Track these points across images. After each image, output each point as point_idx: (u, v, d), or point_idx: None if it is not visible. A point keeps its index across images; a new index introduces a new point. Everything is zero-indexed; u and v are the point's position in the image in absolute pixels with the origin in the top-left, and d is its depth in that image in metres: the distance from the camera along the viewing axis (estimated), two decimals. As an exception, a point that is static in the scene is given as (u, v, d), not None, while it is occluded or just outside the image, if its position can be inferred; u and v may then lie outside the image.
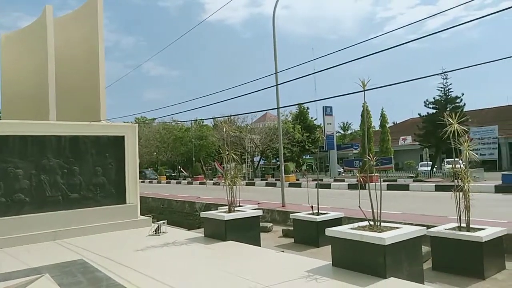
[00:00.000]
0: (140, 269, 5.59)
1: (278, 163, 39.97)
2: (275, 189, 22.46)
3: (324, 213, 8.66)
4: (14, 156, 8.07)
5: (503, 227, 6.30)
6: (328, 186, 22.54)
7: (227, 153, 8.48)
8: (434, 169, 29.34)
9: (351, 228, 5.34)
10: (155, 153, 50.16)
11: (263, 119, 49.69)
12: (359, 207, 5.48)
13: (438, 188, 18.18)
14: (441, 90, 29.56)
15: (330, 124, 38.99)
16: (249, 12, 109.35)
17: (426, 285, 4.83)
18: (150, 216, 10.68)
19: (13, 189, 7.98)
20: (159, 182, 39.56)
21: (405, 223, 6.80)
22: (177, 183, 37.02)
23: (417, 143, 33.76)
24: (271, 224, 11.19)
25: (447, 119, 6.02)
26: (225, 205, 8.42)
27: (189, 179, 39.65)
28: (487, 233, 5.76)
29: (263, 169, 45.09)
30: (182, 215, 17.10)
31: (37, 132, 8.40)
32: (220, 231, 7.57)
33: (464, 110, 28.06)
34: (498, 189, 16.26)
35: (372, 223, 5.36)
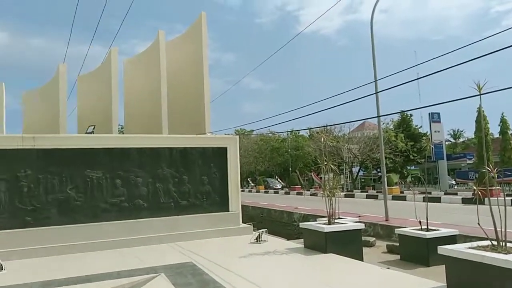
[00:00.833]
0: (244, 275, 5.79)
1: (379, 174, 37.95)
2: (376, 201, 21.32)
3: (435, 229, 7.90)
4: (134, 166, 9.13)
5: None
6: (437, 199, 20.56)
7: (325, 163, 8.36)
8: None
9: (470, 248, 4.77)
10: (253, 164, 52.02)
11: (361, 128, 47.88)
12: (478, 224, 4.88)
13: None
14: None
15: (438, 132, 35.60)
16: (344, 20, 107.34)
17: None
18: (250, 224, 11.04)
19: (134, 195, 9.01)
20: (257, 191, 40.81)
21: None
22: (274, 192, 37.70)
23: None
24: (374, 238, 10.61)
25: None
26: (323, 216, 8.28)
27: (286, 189, 40.03)
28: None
29: (363, 180, 43.25)
30: (281, 225, 17.28)
31: (152, 145, 9.38)
32: (320, 243, 7.45)
33: None
34: None
35: (495, 243, 4.72)
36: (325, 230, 7.34)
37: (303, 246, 8.06)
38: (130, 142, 9.24)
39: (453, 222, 11.01)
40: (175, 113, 11.86)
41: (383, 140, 16.56)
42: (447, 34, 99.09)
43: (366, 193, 28.50)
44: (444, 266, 4.96)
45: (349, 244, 7.43)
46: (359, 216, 12.63)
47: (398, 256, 8.41)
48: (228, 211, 9.86)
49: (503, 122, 29.41)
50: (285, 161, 49.02)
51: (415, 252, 7.85)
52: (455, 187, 33.20)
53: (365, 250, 8.48)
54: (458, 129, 69.66)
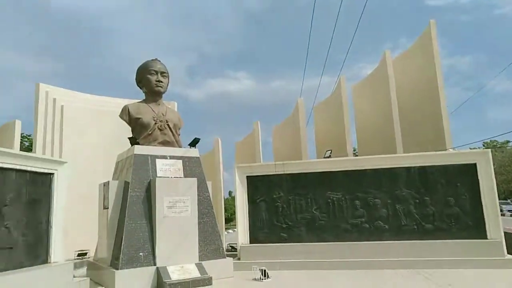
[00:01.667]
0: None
1: None
2: None
3: None
4: (371, 187, 9.14)
5: None
6: None
7: None
8: None
9: None
10: (513, 182, 42.73)
11: None
12: None
13: None
14: None
15: None
16: None
17: None
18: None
19: (373, 217, 8.99)
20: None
21: None
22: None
23: None
24: None
25: None
26: None
27: None
28: None
29: None
30: None
31: (388, 165, 9.17)
32: None
33: None
34: None
35: None
36: None
37: None
38: (366, 163, 9.35)
39: None
40: (408, 130, 11.29)
41: None
42: None
43: None
44: None
45: None
46: None
47: None
48: (486, 238, 8.37)
49: None
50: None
51: None
52: None
53: None
54: None
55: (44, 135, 10.53)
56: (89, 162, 10.60)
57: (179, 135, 9.18)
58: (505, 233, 8.48)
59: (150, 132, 8.57)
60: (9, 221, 6.08)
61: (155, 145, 8.47)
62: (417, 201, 8.84)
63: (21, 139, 12.89)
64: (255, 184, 9.75)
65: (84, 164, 10.30)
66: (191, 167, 8.56)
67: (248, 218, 9.60)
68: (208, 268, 7.45)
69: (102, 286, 7.10)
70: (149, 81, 8.85)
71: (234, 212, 10.06)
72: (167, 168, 8.30)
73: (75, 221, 8.63)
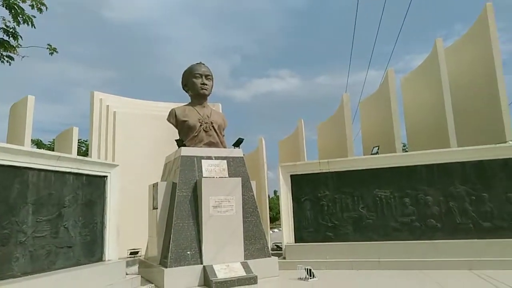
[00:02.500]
0: None
1: None
2: None
3: None
4: (422, 183, 8.71)
5: None
6: None
7: None
8: None
9: None
10: None
11: None
12: None
13: None
14: None
15: None
16: None
17: None
18: None
19: (425, 215, 8.56)
20: None
21: None
22: None
23: None
24: None
25: None
26: None
27: None
28: None
29: None
30: None
31: (441, 160, 8.68)
32: None
33: None
34: None
35: None
36: None
37: None
38: (416, 159, 8.92)
39: None
40: (463, 123, 10.62)
41: None
42: None
43: None
44: None
45: None
46: None
47: None
48: (552, 237, 7.66)
49: None
50: None
51: None
52: None
53: None
54: None
55: (98, 140, 11.24)
56: (140, 164, 11.13)
57: (223, 135, 9.36)
58: None
59: (196, 134, 8.82)
60: (67, 221, 6.56)
61: (201, 147, 8.71)
62: (474, 197, 8.28)
63: (78, 145, 13.82)
64: (299, 183, 9.68)
65: (134, 166, 10.82)
66: (235, 167, 8.69)
67: (293, 217, 9.56)
68: (253, 267, 7.52)
69: (152, 283, 7.42)
70: (194, 84, 9.12)
71: (279, 211, 10.05)
72: (213, 168, 8.49)
73: (127, 221, 9.10)
